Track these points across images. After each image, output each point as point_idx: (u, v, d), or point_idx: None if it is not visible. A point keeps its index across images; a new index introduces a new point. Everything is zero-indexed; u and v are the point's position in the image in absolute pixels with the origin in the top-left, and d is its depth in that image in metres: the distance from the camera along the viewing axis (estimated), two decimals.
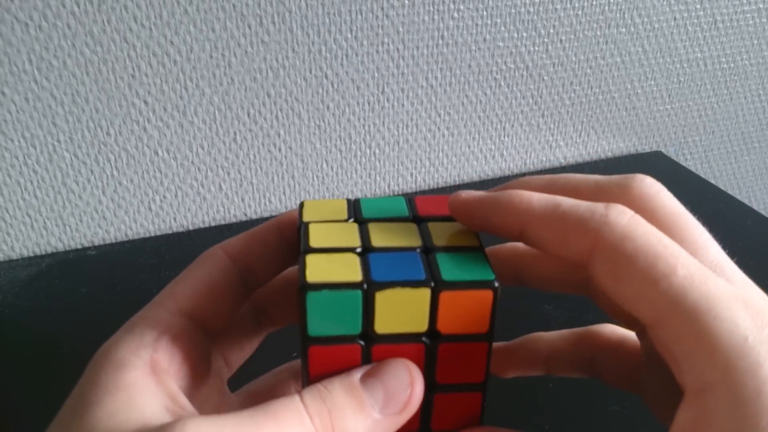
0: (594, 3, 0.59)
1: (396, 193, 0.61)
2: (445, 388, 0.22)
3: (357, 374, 0.21)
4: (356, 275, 0.20)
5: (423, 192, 0.62)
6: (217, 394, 0.25)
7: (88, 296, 0.47)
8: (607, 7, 0.59)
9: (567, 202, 0.20)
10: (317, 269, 0.20)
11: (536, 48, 0.59)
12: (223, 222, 0.57)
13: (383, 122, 0.57)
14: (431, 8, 0.54)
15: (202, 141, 0.53)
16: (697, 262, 0.18)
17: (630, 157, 0.68)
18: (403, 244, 0.22)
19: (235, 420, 0.18)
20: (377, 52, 0.54)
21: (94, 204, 0.53)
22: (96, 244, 0.54)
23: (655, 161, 0.68)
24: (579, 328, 0.26)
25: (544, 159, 0.66)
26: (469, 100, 0.59)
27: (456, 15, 0.55)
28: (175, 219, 0.55)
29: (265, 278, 0.25)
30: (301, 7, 0.50)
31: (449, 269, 0.21)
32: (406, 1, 0.53)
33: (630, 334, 0.25)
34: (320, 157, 0.57)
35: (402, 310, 0.20)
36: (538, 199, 0.21)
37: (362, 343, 0.21)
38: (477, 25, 0.56)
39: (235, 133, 0.53)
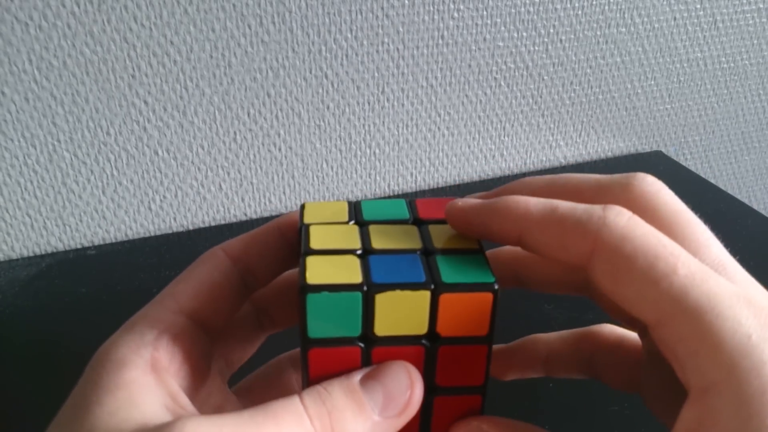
0: (594, 3, 0.59)
1: (396, 193, 0.61)
2: (445, 391, 0.22)
3: (357, 376, 0.21)
4: (356, 277, 0.20)
5: (423, 192, 0.62)
6: (217, 394, 0.25)
7: (88, 296, 0.47)
8: (607, 7, 0.59)
9: (564, 205, 0.20)
10: (317, 271, 0.20)
11: (536, 48, 0.59)
12: (223, 222, 0.57)
13: (383, 122, 0.57)
14: (431, 8, 0.54)
15: (202, 141, 0.53)
16: (697, 261, 0.18)
17: (630, 156, 0.68)
18: (403, 247, 0.22)
19: (235, 420, 0.18)
20: (377, 52, 0.54)
21: (94, 204, 0.53)
22: (96, 244, 0.54)
23: (655, 161, 0.68)
24: (578, 329, 0.26)
25: (544, 159, 0.66)
26: (469, 100, 0.59)
27: (456, 15, 0.55)
28: (175, 219, 0.55)
29: (266, 279, 0.25)
30: (301, 7, 0.50)
31: (449, 272, 0.21)
32: (406, 1, 0.53)
33: (629, 334, 0.25)
34: (320, 157, 0.57)
35: (402, 313, 0.20)
36: (534, 203, 0.20)
37: (362, 345, 0.21)
38: (477, 25, 0.56)
39: (235, 133, 0.53)
